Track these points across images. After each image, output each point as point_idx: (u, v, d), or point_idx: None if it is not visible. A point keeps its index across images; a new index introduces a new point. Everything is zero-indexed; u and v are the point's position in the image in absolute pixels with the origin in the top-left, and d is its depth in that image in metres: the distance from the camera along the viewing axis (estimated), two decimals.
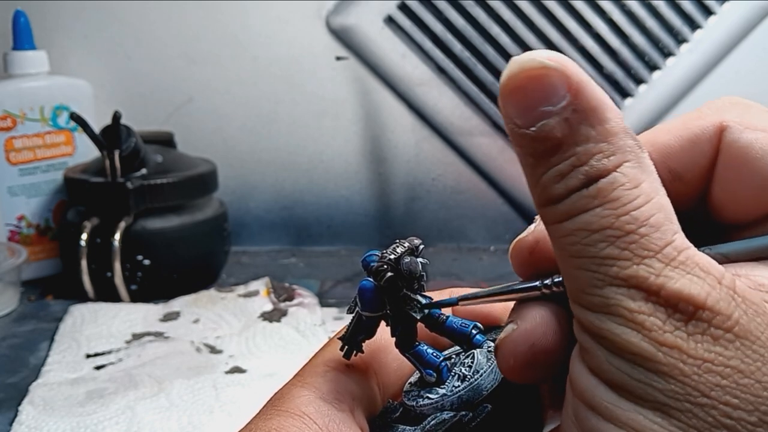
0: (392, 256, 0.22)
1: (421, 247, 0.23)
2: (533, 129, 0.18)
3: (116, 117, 0.65)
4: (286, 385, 0.23)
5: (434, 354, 0.23)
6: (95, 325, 0.61)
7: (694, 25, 0.81)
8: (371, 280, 0.23)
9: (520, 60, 0.18)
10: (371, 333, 0.24)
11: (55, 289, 0.72)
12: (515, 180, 0.86)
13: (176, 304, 0.66)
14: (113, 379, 0.52)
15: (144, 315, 0.64)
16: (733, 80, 0.83)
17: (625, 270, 0.17)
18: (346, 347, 0.24)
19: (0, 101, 0.71)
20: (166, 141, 0.76)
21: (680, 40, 0.81)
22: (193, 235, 0.71)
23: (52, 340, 0.60)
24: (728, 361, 0.17)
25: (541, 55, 0.18)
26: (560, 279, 0.21)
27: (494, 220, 0.88)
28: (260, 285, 0.69)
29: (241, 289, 0.68)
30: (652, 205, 0.18)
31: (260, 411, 0.23)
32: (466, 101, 0.83)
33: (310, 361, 0.24)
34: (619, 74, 0.82)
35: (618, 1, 0.80)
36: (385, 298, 0.23)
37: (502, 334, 0.21)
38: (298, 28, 0.81)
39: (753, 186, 0.20)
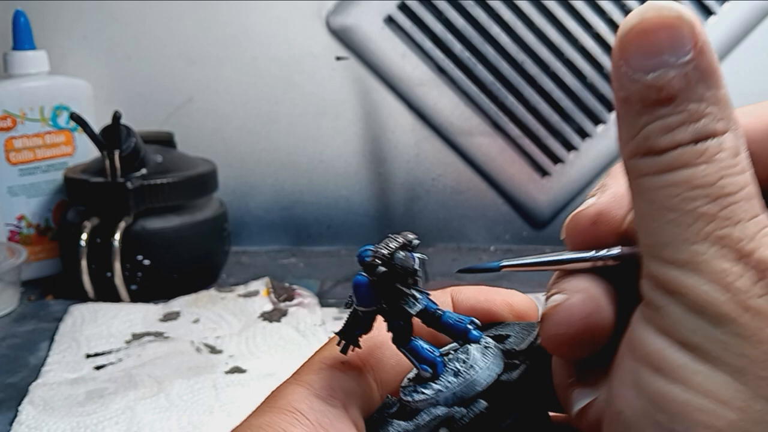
0: (385, 251, 0.22)
1: (416, 241, 0.23)
2: (652, 75, 0.18)
3: (116, 117, 0.65)
4: (282, 383, 0.24)
5: (430, 349, 0.23)
6: (95, 325, 0.61)
7: None
8: (365, 274, 0.22)
9: (656, 4, 0.18)
10: (368, 328, 0.23)
11: (55, 289, 0.72)
12: (515, 180, 0.86)
13: (176, 304, 0.66)
14: (113, 379, 0.52)
15: (144, 315, 0.64)
16: (733, 80, 0.83)
17: (721, 229, 0.17)
18: (343, 342, 0.24)
19: (0, 101, 0.71)
20: (166, 141, 0.76)
21: None
22: (193, 235, 0.71)
23: (52, 340, 0.60)
24: None
25: (676, 6, 0.18)
26: (616, 252, 0.21)
27: (494, 220, 0.88)
28: (260, 285, 0.69)
29: (241, 289, 0.68)
30: (747, 176, 0.18)
31: (256, 409, 0.23)
32: (466, 101, 0.83)
33: (307, 360, 0.25)
34: None
35: (618, 1, 0.80)
36: (380, 293, 0.23)
37: (550, 303, 0.21)
38: (298, 28, 0.81)
39: None
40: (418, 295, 0.23)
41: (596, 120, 0.84)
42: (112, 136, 0.66)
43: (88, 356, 0.57)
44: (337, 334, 0.24)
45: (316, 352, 0.25)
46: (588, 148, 0.85)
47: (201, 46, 0.81)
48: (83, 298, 0.68)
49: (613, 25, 0.80)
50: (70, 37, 0.81)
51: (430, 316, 0.23)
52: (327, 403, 0.22)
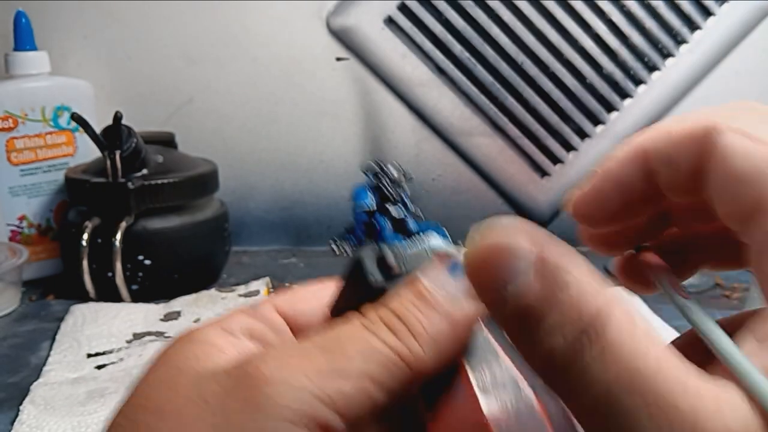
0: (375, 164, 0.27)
1: (410, 174, 0.28)
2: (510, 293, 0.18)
3: (117, 117, 0.65)
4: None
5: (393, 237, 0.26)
6: (96, 325, 0.62)
7: (693, 26, 0.81)
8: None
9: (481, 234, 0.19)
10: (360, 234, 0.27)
11: (56, 289, 0.72)
12: (515, 180, 0.86)
13: (177, 303, 0.66)
14: (114, 378, 0.52)
15: (145, 315, 0.64)
16: (733, 80, 0.83)
17: None
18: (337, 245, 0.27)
19: (1, 102, 0.71)
20: (166, 141, 0.77)
21: (680, 40, 0.81)
22: (194, 235, 0.71)
23: (53, 339, 0.60)
24: None
25: (498, 227, 0.19)
26: None
27: None
28: (260, 285, 0.69)
29: (242, 289, 0.69)
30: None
31: (169, 344, 0.24)
32: (466, 102, 0.83)
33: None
34: (618, 75, 0.82)
35: (617, 1, 0.80)
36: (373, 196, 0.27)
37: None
38: (298, 28, 0.81)
39: (728, 191, 0.20)
40: (402, 209, 0.27)
41: (596, 120, 0.84)
42: (113, 136, 0.66)
43: (89, 356, 0.57)
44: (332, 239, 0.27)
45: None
46: (587, 148, 0.85)
47: (201, 46, 0.82)
48: (84, 298, 0.68)
49: (613, 26, 0.81)
50: (71, 38, 0.81)
51: (401, 223, 0.27)
52: (239, 338, 0.24)
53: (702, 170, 0.21)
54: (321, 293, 0.26)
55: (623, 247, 0.25)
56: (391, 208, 0.27)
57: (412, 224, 0.27)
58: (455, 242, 0.25)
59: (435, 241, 0.25)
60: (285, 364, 0.20)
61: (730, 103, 0.22)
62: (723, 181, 0.20)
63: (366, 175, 0.27)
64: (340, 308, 0.24)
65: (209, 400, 0.20)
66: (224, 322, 0.24)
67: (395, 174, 0.28)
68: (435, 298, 0.22)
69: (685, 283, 0.26)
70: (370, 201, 0.27)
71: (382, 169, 0.28)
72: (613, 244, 0.26)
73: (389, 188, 0.27)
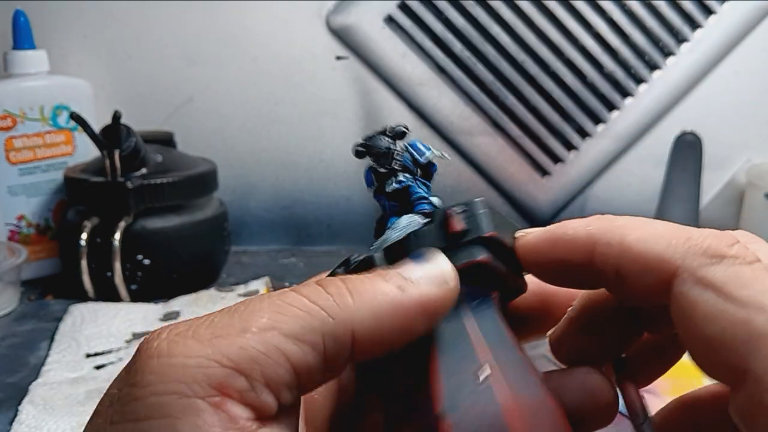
0: (364, 136, 0.26)
1: (400, 129, 0.25)
2: None
3: (116, 116, 0.65)
4: None
5: (390, 224, 0.25)
6: (95, 325, 0.61)
7: (694, 25, 0.81)
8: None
9: None
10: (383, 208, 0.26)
11: (55, 288, 0.72)
12: (515, 180, 0.86)
13: (176, 303, 0.66)
14: (113, 378, 0.52)
15: (144, 314, 0.64)
16: (733, 80, 0.83)
17: None
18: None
19: (0, 101, 0.71)
20: (166, 141, 0.76)
21: (680, 39, 0.81)
22: (193, 234, 0.71)
23: (52, 339, 0.60)
24: None
25: None
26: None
27: None
28: (260, 285, 0.69)
29: (241, 289, 0.68)
30: None
31: None
32: (466, 101, 0.83)
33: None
34: (619, 74, 0.82)
35: (618, 0, 0.80)
36: (374, 176, 0.26)
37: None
38: (298, 28, 0.81)
39: (703, 353, 0.19)
40: (402, 178, 0.26)
41: (596, 120, 0.84)
42: (112, 135, 0.66)
43: (88, 356, 0.57)
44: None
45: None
46: (588, 147, 0.85)
47: (201, 46, 0.81)
48: (83, 297, 0.67)
49: (614, 24, 0.80)
50: (70, 37, 0.81)
51: (404, 197, 0.26)
52: None
53: (664, 309, 0.19)
54: None
55: (596, 359, 0.24)
56: (388, 183, 0.25)
57: (415, 189, 0.26)
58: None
59: (416, 219, 0.24)
60: (178, 333, 0.18)
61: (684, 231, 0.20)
62: (696, 342, 0.19)
63: (358, 156, 0.26)
64: None
65: (113, 387, 0.19)
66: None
67: (383, 144, 0.25)
68: (386, 272, 0.20)
69: None
70: (372, 183, 0.26)
71: (367, 147, 0.25)
72: (583, 353, 0.24)
73: (377, 165, 0.26)
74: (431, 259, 0.21)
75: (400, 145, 0.26)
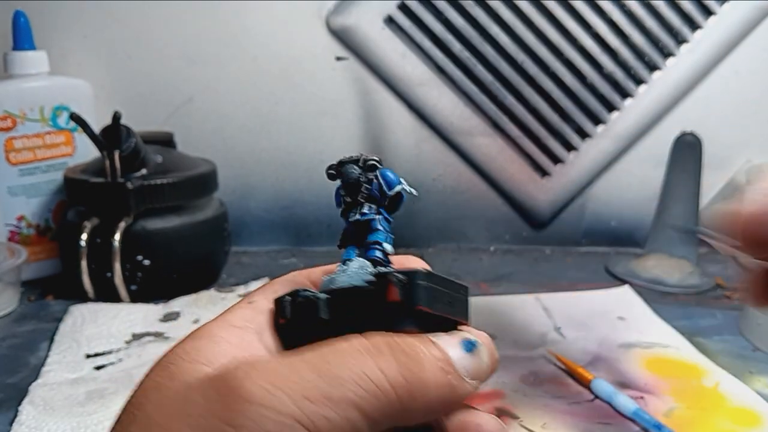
0: (336, 162, 0.27)
1: (371, 161, 0.27)
2: None
3: (116, 117, 0.65)
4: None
5: (347, 256, 0.27)
6: (95, 325, 0.61)
7: (694, 26, 0.81)
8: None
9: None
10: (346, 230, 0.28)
11: (55, 289, 0.72)
12: (515, 180, 0.86)
13: (176, 304, 0.66)
14: (113, 379, 0.52)
15: (144, 315, 0.64)
16: (733, 80, 0.83)
17: None
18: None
19: (0, 101, 0.71)
20: (166, 141, 0.76)
21: (680, 40, 0.81)
22: (194, 235, 0.71)
23: (52, 340, 0.60)
24: None
25: None
26: None
27: (494, 220, 0.88)
28: (260, 285, 0.69)
29: (242, 289, 0.68)
30: None
31: (172, 347, 0.24)
32: (466, 101, 0.83)
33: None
34: (619, 74, 0.82)
35: (618, 1, 0.80)
36: (342, 198, 0.27)
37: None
38: (298, 28, 0.81)
39: None
40: (366, 210, 0.27)
41: (596, 120, 0.84)
42: (112, 136, 0.66)
43: (88, 356, 0.57)
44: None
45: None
46: (588, 148, 0.85)
47: (201, 46, 0.81)
48: (83, 298, 0.68)
49: (613, 25, 0.80)
50: (70, 37, 0.81)
51: (363, 228, 0.27)
52: (242, 329, 0.25)
53: None
54: (296, 279, 0.28)
55: None
56: (352, 213, 0.27)
57: (375, 226, 0.27)
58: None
59: (364, 267, 0.25)
60: (270, 381, 0.20)
61: None
62: None
63: (329, 178, 0.27)
64: (290, 337, 0.25)
65: (192, 413, 0.20)
66: (227, 315, 0.25)
67: (353, 174, 0.27)
68: (449, 367, 0.22)
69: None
70: (340, 205, 0.27)
71: (338, 173, 0.27)
72: None
73: (345, 192, 0.27)
74: (478, 353, 0.23)
75: (371, 174, 0.27)
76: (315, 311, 0.24)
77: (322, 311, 0.24)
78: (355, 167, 0.27)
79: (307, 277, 0.29)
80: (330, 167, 0.27)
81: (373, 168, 0.27)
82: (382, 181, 0.27)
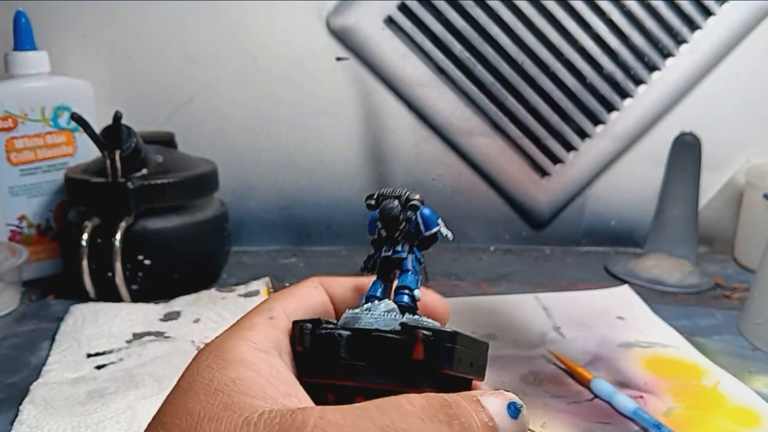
0: (377, 193, 0.27)
1: (414, 200, 0.27)
2: None
3: (117, 117, 0.65)
4: (219, 337, 0.26)
5: (373, 292, 0.27)
6: (96, 325, 0.61)
7: (693, 26, 0.81)
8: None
9: None
10: (371, 258, 0.28)
11: (56, 288, 0.72)
12: (515, 180, 0.86)
13: (177, 303, 0.66)
14: (114, 378, 0.52)
15: (145, 315, 0.64)
16: (733, 80, 0.83)
17: None
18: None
19: (1, 101, 0.71)
20: (166, 141, 0.77)
21: (680, 40, 0.81)
22: (194, 235, 0.71)
23: (52, 339, 0.60)
24: None
25: None
26: None
27: (494, 220, 0.88)
28: (261, 285, 0.69)
29: (242, 289, 0.69)
30: None
31: (201, 362, 0.24)
32: (466, 101, 0.83)
33: (243, 317, 0.27)
34: (618, 75, 0.82)
35: (617, 1, 0.80)
36: (378, 229, 0.28)
37: None
38: (298, 28, 0.81)
39: None
40: (399, 248, 0.27)
41: (596, 120, 0.84)
42: (113, 136, 0.66)
43: (89, 356, 0.57)
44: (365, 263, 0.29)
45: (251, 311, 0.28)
46: (588, 148, 0.85)
47: (201, 46, 0.82)
48: (84, 298, 0.68)
49: (613, 26, 0.81)
50: (71, 37, 0.81)
51: (393, 264, 0.27)
52: (269, 353, 0.25)
53: None
54: (314, 293, 0.28)
55: None
56: (386, 248, 0.27)
57: (405, 266, 0.27)
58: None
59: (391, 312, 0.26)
60: None
61: None
62: None
63: (369, 208, 0.28)
64: (306, 364, 0.26)
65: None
66: (251, 335, 0.25)
67: (394, 211, 0.27)
68: (496, 426, 0.23)
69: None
70: (373, 233, 0.28)
71: (378, 206, 0.27)
72: None
73: (382, 224, 0.27)
74: (522, 418, 0.24)
75: (411, 213, 0.27)
76: (335, 347, 0.24)
77: (343, 349, 0.24)
78: (397, 202, 0.27)
79: (328, 287, 0.29)
80: (370, 196, 0.28)
81: (415, 209, 0.27)
82: (420, 220, 0.27)
